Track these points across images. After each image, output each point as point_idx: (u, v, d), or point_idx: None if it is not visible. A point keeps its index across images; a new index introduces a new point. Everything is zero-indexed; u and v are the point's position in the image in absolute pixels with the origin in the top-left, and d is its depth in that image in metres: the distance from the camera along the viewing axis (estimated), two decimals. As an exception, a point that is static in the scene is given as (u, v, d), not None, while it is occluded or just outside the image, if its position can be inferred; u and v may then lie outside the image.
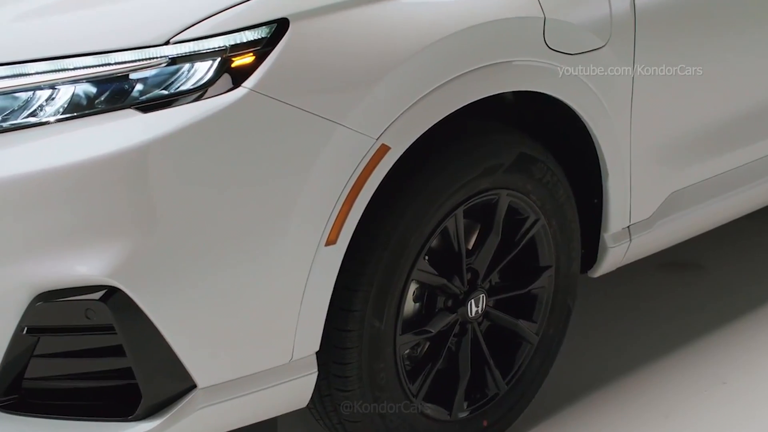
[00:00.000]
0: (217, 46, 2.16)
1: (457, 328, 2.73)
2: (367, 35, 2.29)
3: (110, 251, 2.10)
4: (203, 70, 2.16)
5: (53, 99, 2.15)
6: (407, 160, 2.40)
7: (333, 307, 2.37)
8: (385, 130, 2.31)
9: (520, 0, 2.55)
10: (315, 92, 2.22)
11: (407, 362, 2.70)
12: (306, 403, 2.47)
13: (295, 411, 2.48)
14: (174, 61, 2.15)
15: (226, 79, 2.15)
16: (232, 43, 2.16)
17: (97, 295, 2.15)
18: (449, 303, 2.69)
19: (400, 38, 2.33)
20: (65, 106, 2.14)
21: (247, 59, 2.17)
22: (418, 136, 2.39)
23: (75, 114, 2.14)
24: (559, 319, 2.96)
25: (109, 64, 2.14)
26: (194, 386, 2.25)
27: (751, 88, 3.29)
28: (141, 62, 2.14)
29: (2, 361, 2.23)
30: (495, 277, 2.80)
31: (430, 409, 2.71)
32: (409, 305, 2.64)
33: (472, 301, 2.70)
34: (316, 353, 2.39)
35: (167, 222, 2.12)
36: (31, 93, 2.15)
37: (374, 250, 2.42)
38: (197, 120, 2.12)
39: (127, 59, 2.14)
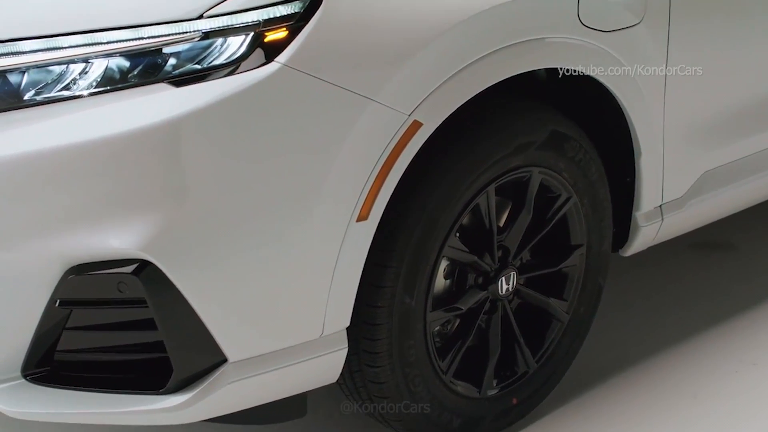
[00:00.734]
0: (250, 20, 2.15)
1: (487, 306, 2.73)
2: (401, 11, 2.28)
3: (143, 225, 2.10)
4: (236, 44, 2.15)
5: (86, 73, 2.15)
6: (439, 137, 2.40)
7: (364, 283, 2.37)
8: (417, 106, 2.30)
9: (555, -24, 2.54)
10: (348, 67, 2.22)
11: (437, 339, 2.70)
12: (336, 379, 2.48)
13: (324, 386, 2.49)
14: (207, 35, 2.15)
15: (258, 53, 2.15)
16: (265, 17, 2.16)
17: (130, 269, 2.16)
18: (480, 280, 2.69)
19: (434, 14, 2.32)
20: (98, 79, 2.15)
21: (280, 34, 2.16)
22: (451, 112, 2.39)
23: (108, 88, 2.14)
24: (590, 297, 2.96)
25: (142, 38, 2.14)
26: (225, 360, 2.26)
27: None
28: (174, 36, 2.14)
29: (35, 333, 2.25)
30: (526, 255, 2.80)
31: (459, 386, 2.72)
32: (440, 282, 2.64)
33: (503, 278, 2.70)
34: (347, 329, 2.40)
35: (199, 196, 2.12)
36: (64, 66, 2.15)
37: (405, 227, 2.42)
38: (230, 95, 2.12)
39: (160, 33, 2.14)
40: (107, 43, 2.14)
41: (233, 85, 2.12)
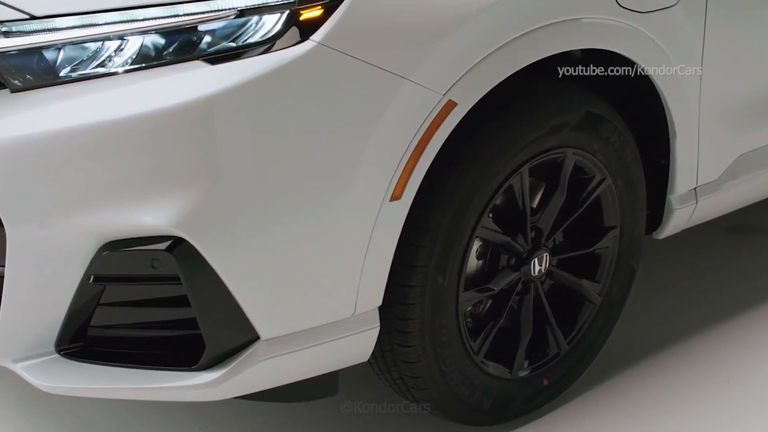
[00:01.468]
0: (285, -2, 2.16)
1: (519, 287, 2.72)
2: (436, -10, 2.27)
3: (177, 202, 2.11)
4: (271, 22, 2.15)
5: (122, 50, 2.16)
6: (474, 117, 2.39)
7: (396, 262, 2.37)
8: (452, 85, 2.29)
9: (591, -43, 2.52)
10: (383, 47, 2.21)
11: (469, 319, 2.70)
12: (367, 358, 2.48)
13: (356, 366, 2.49)
14: (242, 13, 2.15)
15: (293, 32, 2.15)
16: (301, -5, 2.16)
17: (164, 246, 2.16)
18: (512, 261, 2.68)
19: (470, -7, 2.31)
20: (134, 56, 2.15)
21: (315, 12, 2.16)
22: (485, 92, 2.38)
23: (143, 65, 2.15)
24: (623, 280, 2.94)
25: (177, 16, 2.15)
26: (257, 338, 2.27)
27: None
28: (210, 14, 2.15)
29: (68, 308, 2.26)
30: (559, 237, 2.79)
31: (491, 366, 2.72)
32: (472, 262, 2.64)
33: (536, 259, 2.69)
34: (379, 308, 2.40)
35: (233, 174, 2.13)
36: (100, 43, 2.16)
37: (439, 207, 2.41)
38: (265, 73, 2.12)
39: (195, 11, 2.15)
40: (143, 20, 2.15)
41: (268, 63, 2.12)
